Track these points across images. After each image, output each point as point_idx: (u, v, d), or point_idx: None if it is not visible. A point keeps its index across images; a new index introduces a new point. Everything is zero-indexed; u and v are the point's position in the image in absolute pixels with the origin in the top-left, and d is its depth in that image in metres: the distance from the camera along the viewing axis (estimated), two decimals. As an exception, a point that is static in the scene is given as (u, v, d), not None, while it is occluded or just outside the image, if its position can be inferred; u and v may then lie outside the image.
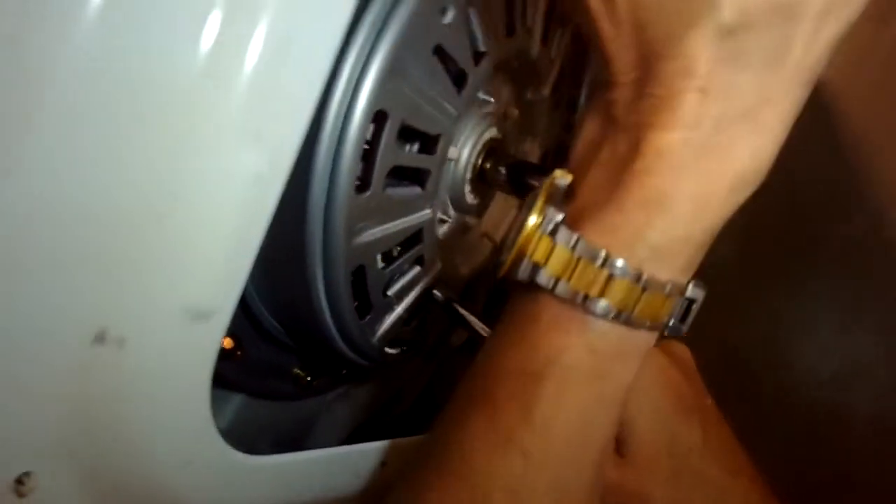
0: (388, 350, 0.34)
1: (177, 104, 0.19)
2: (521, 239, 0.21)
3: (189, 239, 0.20)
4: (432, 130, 0.28)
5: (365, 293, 0.30)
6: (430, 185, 0.30)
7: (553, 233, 0.21)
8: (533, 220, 0.21)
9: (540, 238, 0.21)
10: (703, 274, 0.22)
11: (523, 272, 0.21)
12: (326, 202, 0.25)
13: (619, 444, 0.26)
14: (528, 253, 0.21)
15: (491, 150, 0.35)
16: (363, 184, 0.26)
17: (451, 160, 0.32)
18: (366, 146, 0.25)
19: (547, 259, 0.20)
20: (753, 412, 0.36)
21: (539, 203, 0.21)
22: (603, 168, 0.21)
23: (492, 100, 0.34)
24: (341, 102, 0.24)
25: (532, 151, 0.42)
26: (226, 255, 0.21)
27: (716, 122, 0.19)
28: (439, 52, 0.26)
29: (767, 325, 0.54)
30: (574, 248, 0.20)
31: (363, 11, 0.23)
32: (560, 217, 0.21)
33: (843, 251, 0.52)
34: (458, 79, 0.29)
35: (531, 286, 0.21)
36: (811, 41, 0.19)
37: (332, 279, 0.27)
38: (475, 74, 0.29)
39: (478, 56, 0.29)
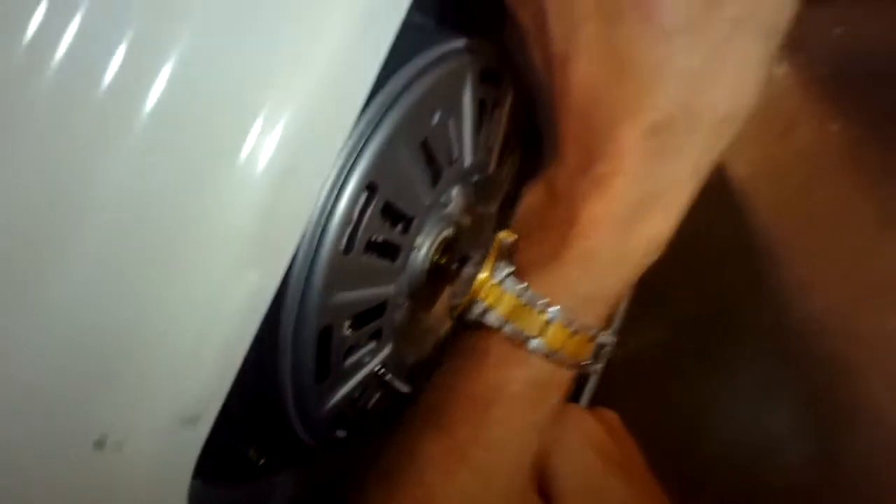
0: (333, 431, 0.35)
1: (182, 235, 0.21)
2: (476, 285, 0.25)
3: (185, 353, 0.23)
4: (409, 212, 0.32)
5: (327, 356, 0.31)
6: (399, 260, 0.33)
7: (503, 282, 0.25)
8: (486, 272, 0.26)
9: (491, 286, 0.25)
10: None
11: (476, 313, 0.25)
12: (313, 255, 0.28)
13: (550, 501, 0.29)
14: (481, 297, 0.25)
15: (447, 247, 0.39)
16: (347, 246, 0.29)
17: (416, 247, 0.36)
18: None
19: (497, 303, 0.24)
20: (676, 488, 0.39)
21: (491, 257, 0.26)
22: (546, 230, 0.26)
23: (451, 203, 0.39)
24: (341, 169, 0.27)
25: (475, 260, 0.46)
26: (217, 364, 0.24)
27: (637, 200, 0.25)
28: (425, 146, 0.31)
29: (690, 405, 0.61)
30: (520, 295, 0.24)
31: (373, 95, 0.27)
32: (510, 269, 0.25)
33: (759, 338, 0.61)
34: (434, 174, 0.33)
35: (481, 326, 0.24)
36: (712, 146, 0.25)
37: (302, 332, 0.29)
38: (448, 174, 0.34)
39: (451, 160, 0.34)
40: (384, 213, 0.31)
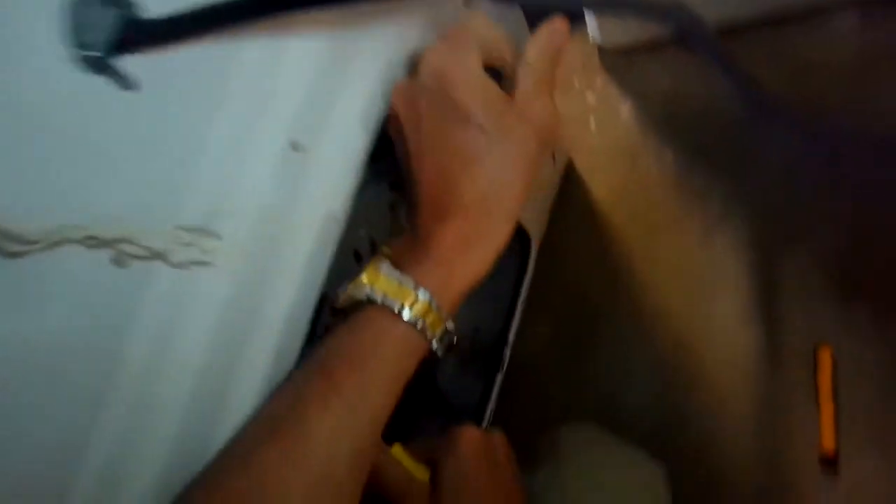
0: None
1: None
2: (365, 275, 0.35)
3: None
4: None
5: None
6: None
7: (385, 272, 0.36)
8: (372, 266, 0.37)
9: (377, 274, 0.36)
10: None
11: (365, 293, 0.35)
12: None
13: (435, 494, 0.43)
14: (369, 282, 0.35)
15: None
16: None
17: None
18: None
19: (380, 285, 0.35)
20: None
21: (376, 258, 0.38)
22: (414, 249, 0.38)
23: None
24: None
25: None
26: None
27: (465, 239, 0.37)
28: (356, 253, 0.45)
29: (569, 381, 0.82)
30: (397, 279, 0.35)
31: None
32: (388, 262, 0.37)
33: (618, 326, 0.83)
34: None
35: (366, 305, 0.35)
36: (513, 210, 0.38)
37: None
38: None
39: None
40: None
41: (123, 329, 0.28)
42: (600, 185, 1.05)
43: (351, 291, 0.34)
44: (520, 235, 0.87)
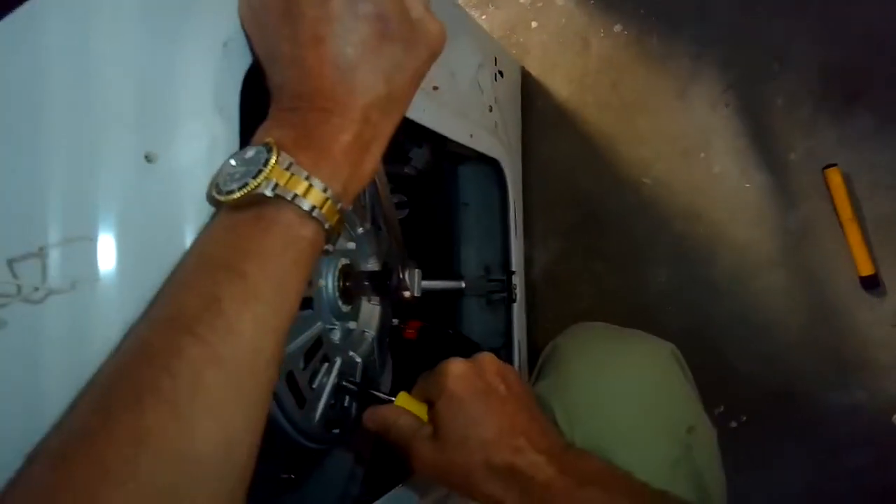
0: (330, 432, 0.49)
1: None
2: (268, 172, 0.32)
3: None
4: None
5: (298, 390, 0.45)
6: (315, 306, 0.47)
7: (286, 166, 0.33)
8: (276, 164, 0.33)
9: (281, 170, 0.33)
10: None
11: (267, 187, 0.32)
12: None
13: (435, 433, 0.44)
14: (275, 178, 0.32)
15: (346, 273, 0.53)
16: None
17: (322, 287, 0.50)
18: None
19: (284, 180, 0.32)
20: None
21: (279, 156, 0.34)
22: (308, 139, 0.35)
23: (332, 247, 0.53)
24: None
25: (374, 265, 0.60)
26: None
27: (363, 140, 0.36)
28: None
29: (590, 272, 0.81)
30: (288, 168, 0.33)
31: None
32: (290, 159, 0.34)
33: (624, 211, 0.84)
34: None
35: (269, 199, 0.32)
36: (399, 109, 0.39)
37: (276, 387, 0.43)
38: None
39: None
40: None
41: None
42: (561, 81, 1.01)
43: (251, 188, 0.32)
44: (493, 168, 0.85)
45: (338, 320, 0.53)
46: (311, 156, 0.35)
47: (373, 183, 0.54)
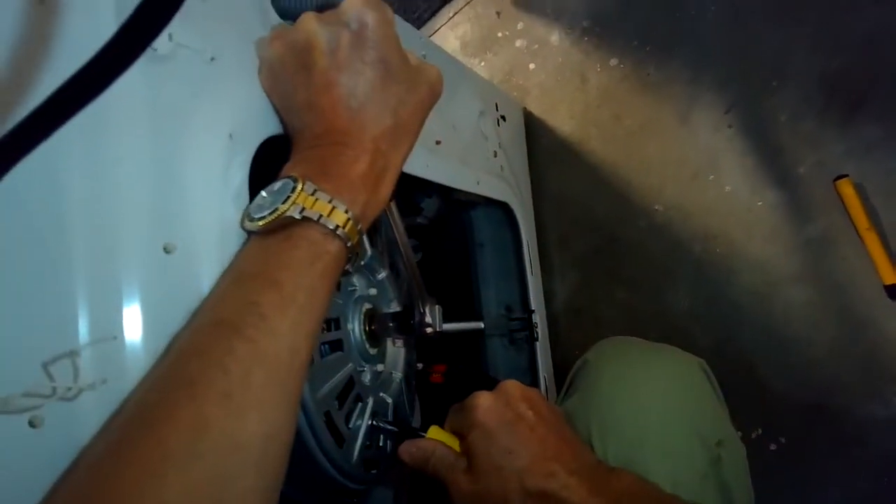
0: (369, 472, 0.50)
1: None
2: (294, 198, 0.37)
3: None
4: (333, 315, 0.47)
5: (336, 429, 0.46)
6: (344, 348, 0.48)
7: (311, 191, 0.37)
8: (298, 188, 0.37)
9: (307, 195, 0.37)
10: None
11: (295, 210, 0.36)
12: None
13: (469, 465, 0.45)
14: (301, 202, 0.36)
15: (371, 317, 0.54)
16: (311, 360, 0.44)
17: (350, 331, 0.51)
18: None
19: (305, 202, 0.36)
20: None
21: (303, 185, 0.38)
22: (334, 179, 0.39)
23: (357, 287, 0.55)
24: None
25: (396, 307, 0.62)
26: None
27: (377, 171, 0.41)
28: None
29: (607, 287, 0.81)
30: (313, 193, 0.37)
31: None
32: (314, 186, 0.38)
33: (639, 235, 0.83)
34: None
35: (298, 221, 0.36)
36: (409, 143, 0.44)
37: (316, 428, 0.44)
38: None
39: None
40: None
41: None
42: (563, 118, 1.03)
43: (281, 212, 0.36)
44: (504, 211, 0.87)
45: (366, 363, 0.54)
46: (332, 183, 0.39)
47: (389, 227, 0.56)
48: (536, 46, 1.07)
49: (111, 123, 0.35)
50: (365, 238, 0.52)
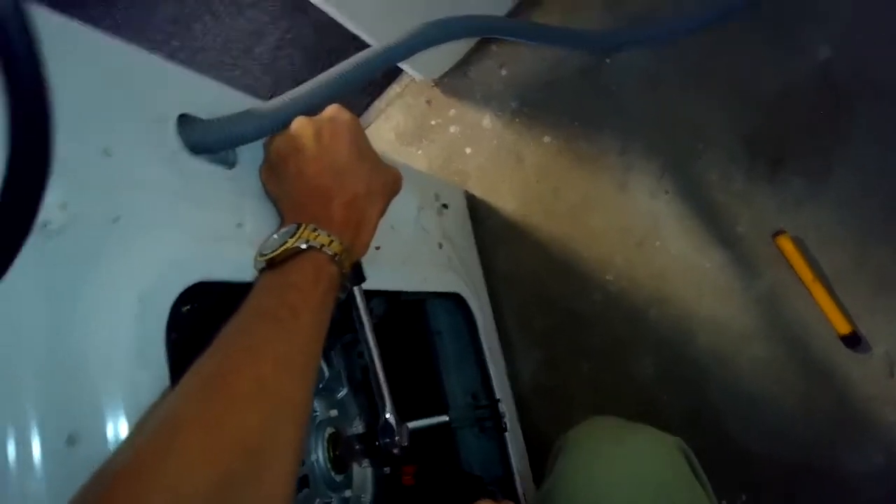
0: None
1: None
2: (300, 234, 0.47)
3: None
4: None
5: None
6: (310, 483, 0.46)
7: (311, 230, 0.48)
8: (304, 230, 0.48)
9: (308, 233, 0.47)
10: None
11: (302, 242, 0.46)
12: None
13: None
14: (304, 236, 0.47)
15: (335, 441, 0.53)
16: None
17: (314, 461, 0.50)
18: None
19: (309, 237, 0.47)
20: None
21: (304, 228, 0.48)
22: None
23: (318, 412, 0.53)
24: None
25: (359, 426, 0.60)
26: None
27: (355, 224, 0.51)
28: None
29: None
30: (314, 230, 0.47)
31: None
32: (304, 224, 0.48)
33: (592, 306, 0.82)
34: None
35: (297, 253, 0.46)
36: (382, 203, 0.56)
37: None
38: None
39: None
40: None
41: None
42: (505, 197, 1.06)
43: (290, 245, 0.46)
44: (456, 302, 0.87)
45: (333, 492, 0.52)
46: (325, 226, 0.49)
47: (345, 347, 0.55)
48: (470, 131, 1.10)
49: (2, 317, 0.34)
50: (322, 361, 0.52)
